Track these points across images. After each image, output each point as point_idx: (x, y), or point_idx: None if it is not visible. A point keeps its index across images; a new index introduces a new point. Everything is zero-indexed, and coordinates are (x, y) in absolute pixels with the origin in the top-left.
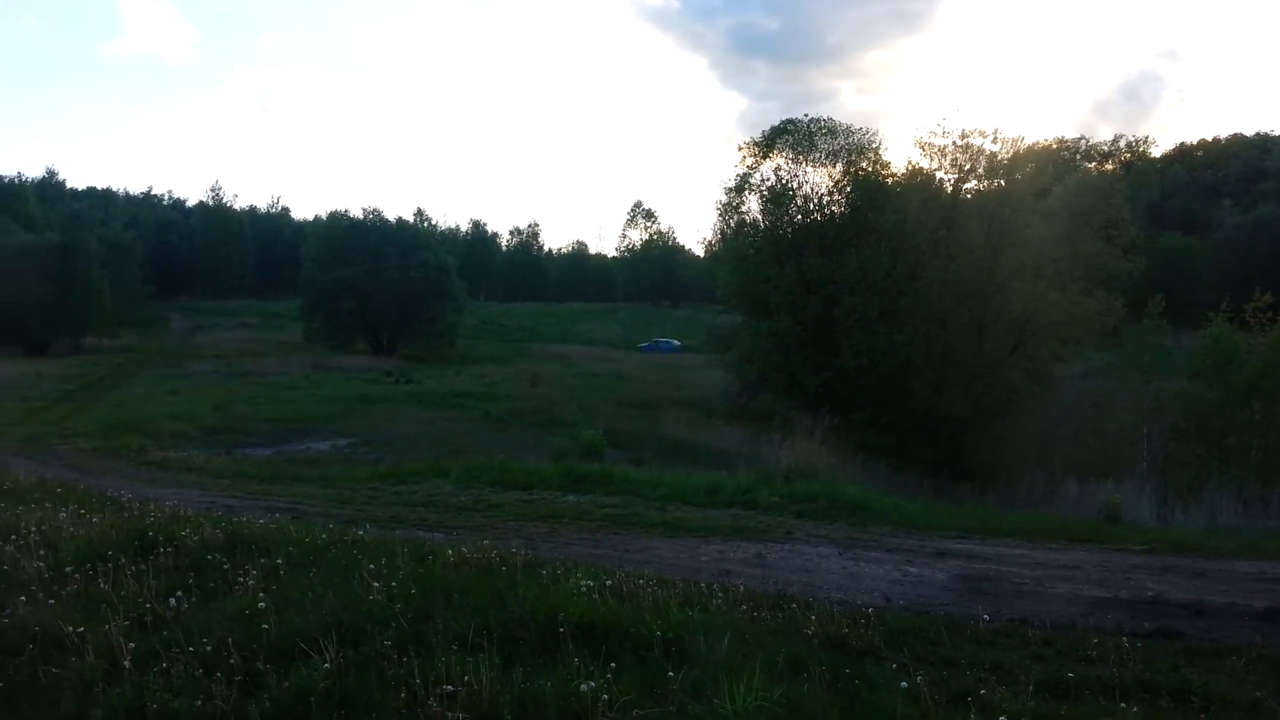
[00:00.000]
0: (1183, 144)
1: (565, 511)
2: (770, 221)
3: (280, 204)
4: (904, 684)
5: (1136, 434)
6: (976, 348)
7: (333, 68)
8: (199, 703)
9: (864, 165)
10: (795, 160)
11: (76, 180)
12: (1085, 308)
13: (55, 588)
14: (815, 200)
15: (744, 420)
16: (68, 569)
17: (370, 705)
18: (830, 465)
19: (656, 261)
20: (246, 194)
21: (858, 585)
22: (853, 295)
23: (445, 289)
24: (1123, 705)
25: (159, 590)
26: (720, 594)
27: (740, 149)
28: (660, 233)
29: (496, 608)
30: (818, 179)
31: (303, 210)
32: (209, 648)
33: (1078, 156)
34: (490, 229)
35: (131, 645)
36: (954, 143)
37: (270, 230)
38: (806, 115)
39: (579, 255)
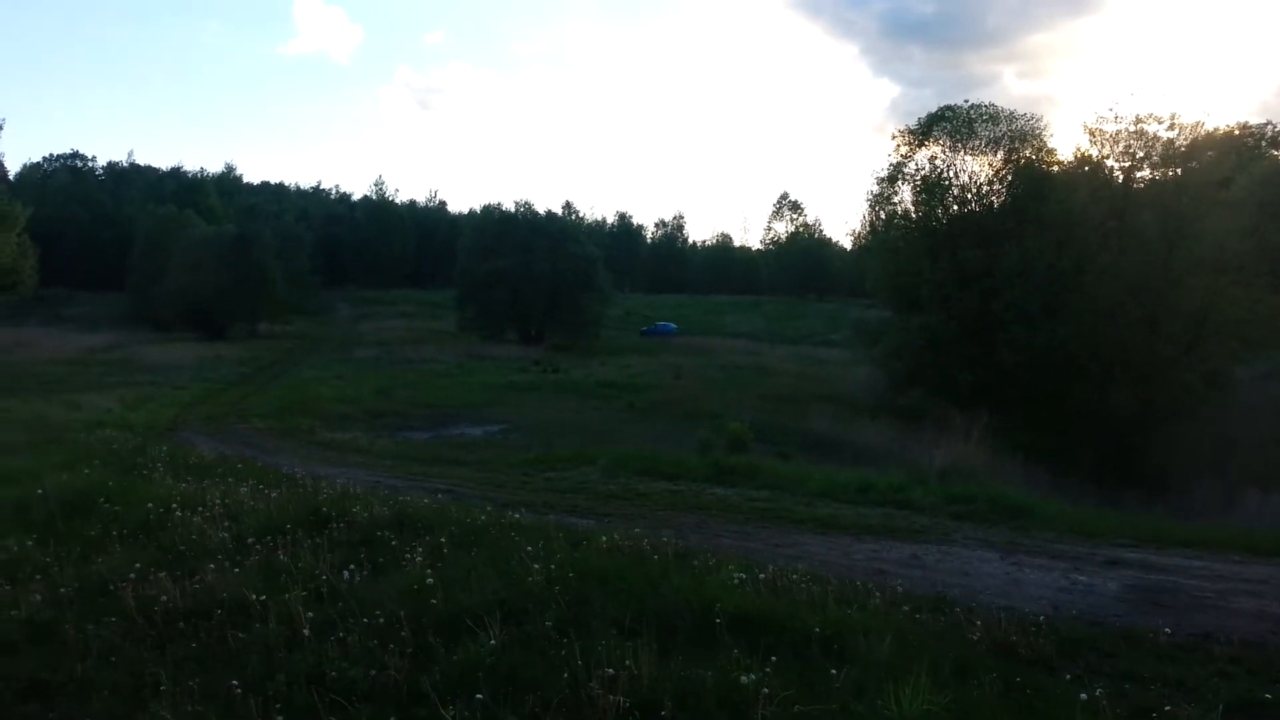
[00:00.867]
0: None
1: (713, 503)
2: (923, 212)
3: (438, 198)
4: (1083, 695)
5: None
6: (1148, 345)
7: (489, 66)
8: (374, 673)
9: (1027, 153)
10: (953, 148)
11: (252, 175)
12: (1270, 305)
13: (239, 557)
14: (973, 190)
15: (891, 417)
16: (250, 540)
17: (534, 683)
18: (987, 466)
19: (802, 254)
20: (406, 188)
21: (1022, 592)
22: (1012, 288)
23: (591, 280)
24: None
25: (333, 563)
26: (877, 594)
27: (894, 137)
28: (806, 225)
29: (651, 595)
30: (976, 167)
31: (458, 204)
32: (381, 620)
33: (1263, 143)
34: (635, 221)
35: (310, 615)
36: (1127, 129)
37: (428, 223)
38: (966, 101)
39: (723, 247)
